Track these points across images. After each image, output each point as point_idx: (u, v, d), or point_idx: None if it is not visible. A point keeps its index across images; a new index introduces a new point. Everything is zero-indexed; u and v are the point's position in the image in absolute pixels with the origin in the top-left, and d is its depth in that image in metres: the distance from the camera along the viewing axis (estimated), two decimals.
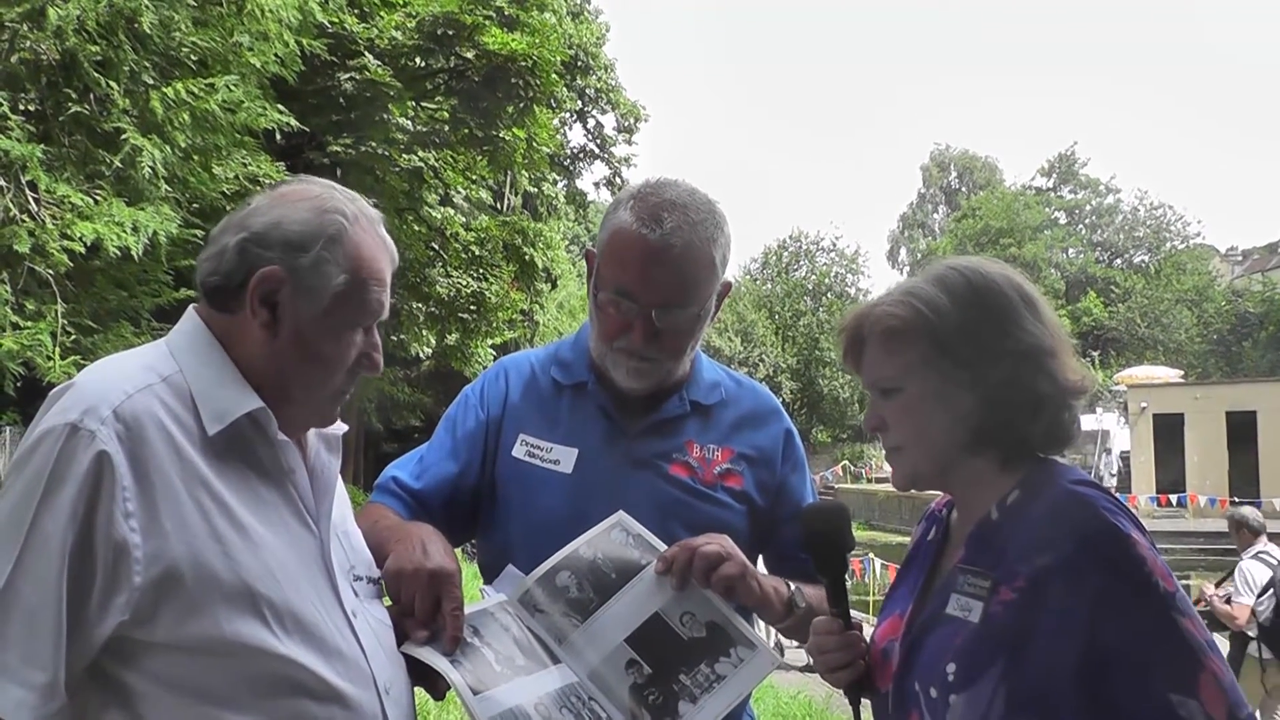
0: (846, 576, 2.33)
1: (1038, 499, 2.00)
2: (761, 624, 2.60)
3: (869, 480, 56.24)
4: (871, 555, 21.07)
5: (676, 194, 2.54)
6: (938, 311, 2.05)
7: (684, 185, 2.59)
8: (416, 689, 2.14)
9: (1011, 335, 2.03)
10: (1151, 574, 1.85)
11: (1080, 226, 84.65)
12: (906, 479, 2.21)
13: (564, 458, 2.64)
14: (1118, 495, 2.08)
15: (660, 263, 2.47)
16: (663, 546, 2.40)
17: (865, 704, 2.24)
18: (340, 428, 2.16)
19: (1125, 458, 41.18)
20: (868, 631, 2.28)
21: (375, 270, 2.01)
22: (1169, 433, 39.85)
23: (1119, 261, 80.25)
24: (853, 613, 2.28)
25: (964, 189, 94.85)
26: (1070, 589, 1.85)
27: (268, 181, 11.81)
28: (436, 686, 2.14)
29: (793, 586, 2.48)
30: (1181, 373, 51.00)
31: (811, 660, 2.35)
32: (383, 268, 2.04)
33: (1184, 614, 1.84)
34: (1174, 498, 35.57)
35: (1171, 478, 38.59)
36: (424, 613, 2.12)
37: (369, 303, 2.01)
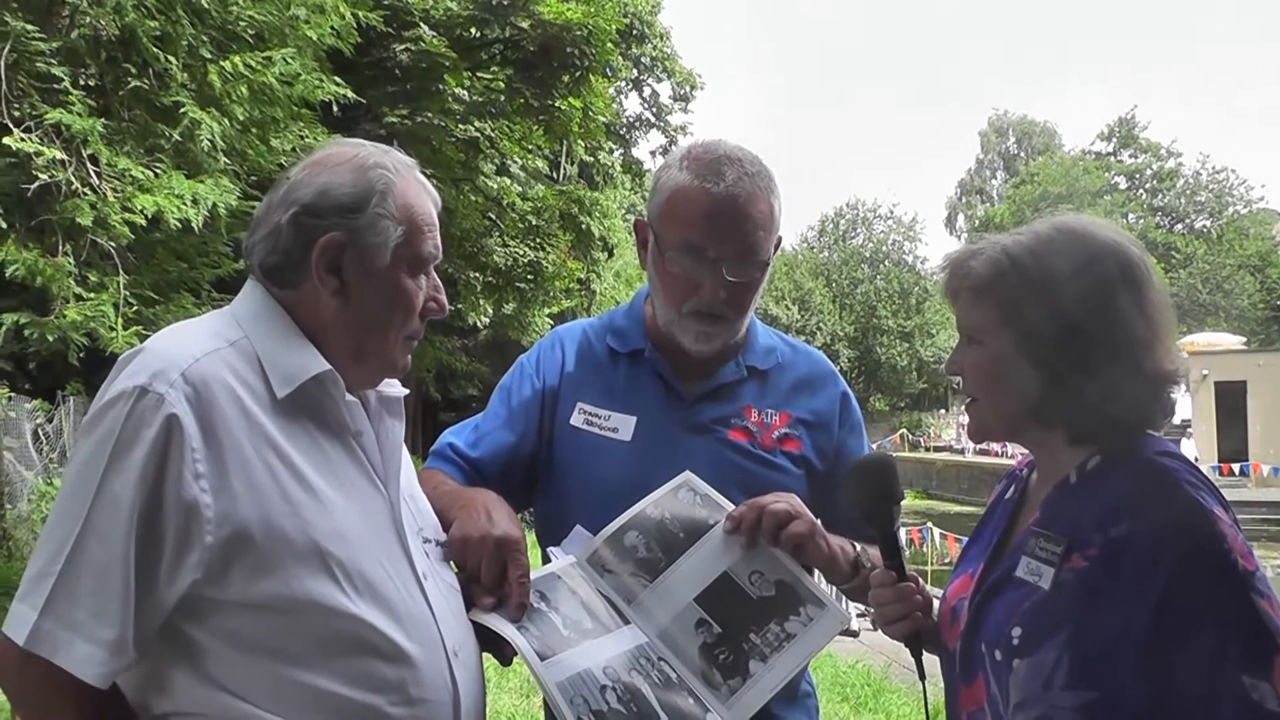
0: (898, 530, 2.32)
1: (1118, 467, 1.94)
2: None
3: (927, 449, 55.78)
4: (930, 524, 20.88)
5: (729, 149, 2.55)
6: (1024, 277, 1.99)
7: (730, 143, 2.59)
8: (484, 653, 2.15)
9: (1097, 317, 1.94)
10: (1230, 551, 1.78)
11: (1140, 191, 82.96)
12: (976, 432, 2.20)
13: (622, 425, 2.65)
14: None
15: (727, 214, 2.47)
16: (730, 506, 2.40)
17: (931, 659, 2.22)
18: (401, 390, 2.18)
19: (1186, 426, 40.62)
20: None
21: (426, 216, 2.05)
22: (1231, 401, 39.26)
23: (1180, 227, 78.61)
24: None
25: (1022, 154, 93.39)
26: (1145, 562, 1.79)
27: None
28: (503, 652, 2.15)
29: (858, 547, 2.46)
30: (1244, 339, 50.10)
31: (871, 615, 2.33)
32: (431, 211, 2.08)
33: (1263, 594, 1.77)
34: (1236, 466, 35.07)
35: (1234, 446, 38.05)
36: (490, 579, 2.14)
37: (426, 248, 2.04)
